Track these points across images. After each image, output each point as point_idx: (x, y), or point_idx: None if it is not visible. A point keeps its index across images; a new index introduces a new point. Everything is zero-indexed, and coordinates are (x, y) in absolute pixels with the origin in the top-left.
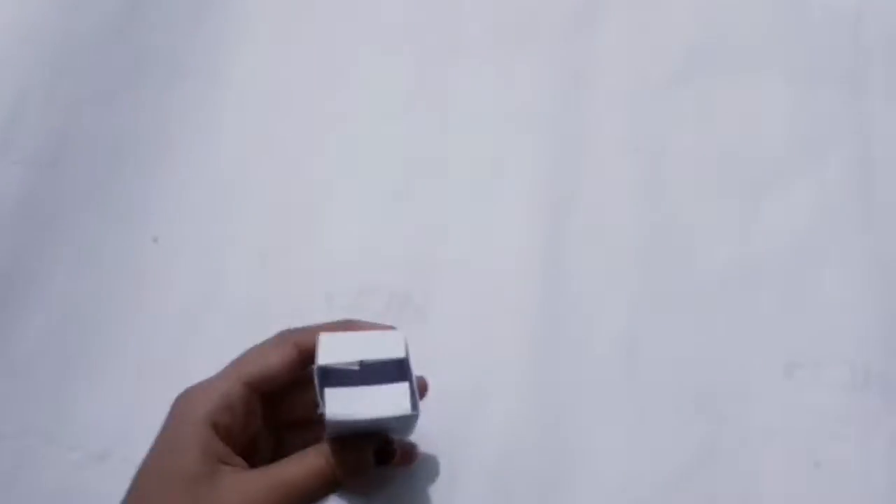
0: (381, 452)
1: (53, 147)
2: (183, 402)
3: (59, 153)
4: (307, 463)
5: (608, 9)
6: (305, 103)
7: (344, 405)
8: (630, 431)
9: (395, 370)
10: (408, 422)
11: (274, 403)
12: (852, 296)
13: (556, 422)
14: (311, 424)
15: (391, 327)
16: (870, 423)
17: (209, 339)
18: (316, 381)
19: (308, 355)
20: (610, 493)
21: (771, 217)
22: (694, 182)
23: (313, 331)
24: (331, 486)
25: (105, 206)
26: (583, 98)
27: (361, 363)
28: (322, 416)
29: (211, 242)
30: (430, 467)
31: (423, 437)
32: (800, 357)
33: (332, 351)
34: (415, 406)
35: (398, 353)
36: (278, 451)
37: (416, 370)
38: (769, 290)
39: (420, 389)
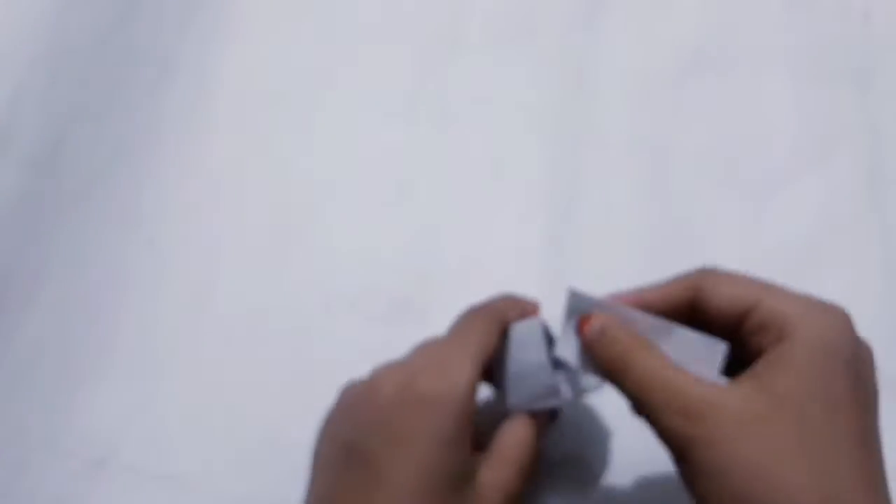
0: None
1: (49, 148)
2: (430, 396)
3: (55, 154)
4: (524, 439)
5: (610, 6)
6: (301, 103)
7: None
8: (629, 432)
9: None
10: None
11: None
12: (859, 296)
13: (556, 421)
14: None
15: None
16: (884, 428)
17: (206, 343)
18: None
19: (503, 323)
20: None
21: (776, 216)
22: (697, 181)
23: (503, 306)
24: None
25: (100, 207)
26: (584, 97)
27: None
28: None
29: (207, 244)
30: None
31: None
32: None
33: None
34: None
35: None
36: None
37: None
38: None
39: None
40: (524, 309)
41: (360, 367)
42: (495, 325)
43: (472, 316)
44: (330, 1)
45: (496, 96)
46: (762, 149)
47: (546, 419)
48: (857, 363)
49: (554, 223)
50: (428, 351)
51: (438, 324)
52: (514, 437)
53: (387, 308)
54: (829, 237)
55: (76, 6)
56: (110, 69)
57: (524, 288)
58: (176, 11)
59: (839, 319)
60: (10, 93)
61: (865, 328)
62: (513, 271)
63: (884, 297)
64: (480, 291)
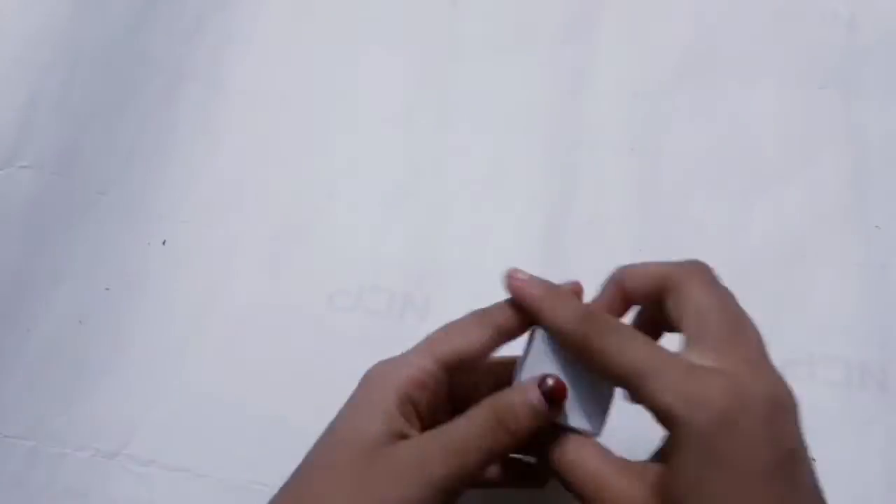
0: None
1: (64, 152)
2: (375, 373)
3: (70, 158)
4: (478, 417)
5: (606, 12)
6: (307, 106)
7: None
8: (627, 434)
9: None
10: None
11: (459, 382)
12: (846, 295)
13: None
14: None
15: None
16: (865, 422)
17: (214, 339)
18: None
19: (503, 335)
20: None
21: (765, 217)
22: (688, 183)
23: (506, 308)
24: (504, 444)
25: (114, 209)
26: (580, 101)
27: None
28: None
29: (217, 244)
30: None
31: None
32: (794, 356)
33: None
34: (595, 421)
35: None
36: None
37: None
38: (763, 290)
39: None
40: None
41: (361, 361)
42: (483, 328)
43: (465, 317)
44: (335, 8)
45: (495, 99)
46: (750, 152)
47: (523, 433)
48: (763, 427)
49: (551, 222)
50: (418, 344)
51: (438, 319)
52: (461, 417)
53: (388, 304)
54: (814, 237)
55: (90, 13)
56: (124, 75)
57: None
58: (188, 19)
59: (725, 392)
60: (26, 98)
61: (852, 325)
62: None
63: (866, 295)
64: (480, 290)
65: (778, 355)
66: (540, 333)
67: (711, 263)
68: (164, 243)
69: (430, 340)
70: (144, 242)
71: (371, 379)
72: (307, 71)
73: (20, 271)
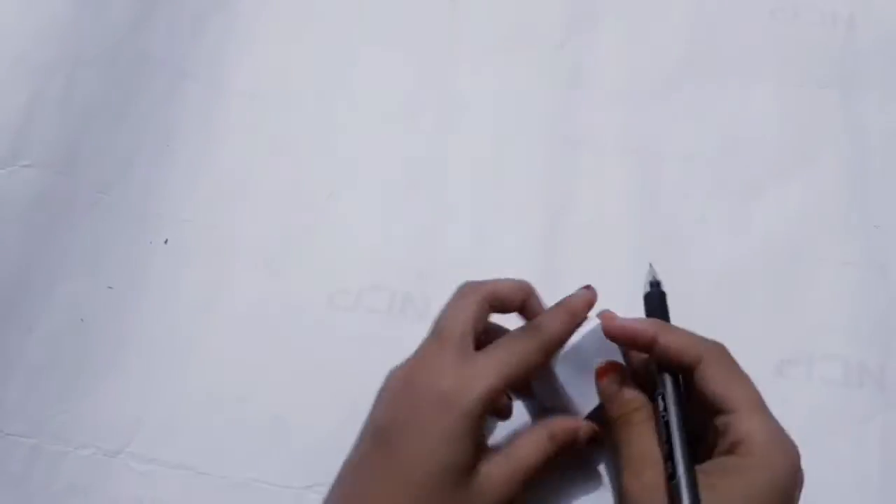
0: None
1: (65, 152)
2: (447, 391)
3: (71, 157)
4: (537, 442)
5: (604, 15)
6: (307, 106)
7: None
8: None
9: None
10: None
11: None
12: (845, 294)
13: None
14: None
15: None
16: (863, 420)
17: (216, 338)
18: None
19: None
20: None
21: (764, 217)
22: (687, 182)
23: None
24: (550, 459)
25: (116, 208)
26: (579, 101)
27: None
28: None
29: (219, 244)
30: None
31: None
32: (792, 354)
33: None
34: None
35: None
36: None
37: None
38: (761, 289)
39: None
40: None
41: (362, 360)
42: (535, 346)
43: (523, 330)
44: (335, 8)
45: (494, 99)
46: (749, 151)
47: (572, 435)
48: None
49: (550, 223)
50: (463, 355)
51: None
52: (527, 440)
53: (388, 304)
54: (813, 237)
55: (92, 13)
56: (125, 74)
57: None
58: (188, 19)
59: (791, 458)
60: (27, 98)
61: (850, 323)
62: (511, 270)
63: (865, 294)
64: None
65: (776, 354)
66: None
67: (711, 263)
68: (165, 242)
69: (495, 358)
70: (146, 241)
71: (445, 405)
72: (307, 71)
73: (21, 270)
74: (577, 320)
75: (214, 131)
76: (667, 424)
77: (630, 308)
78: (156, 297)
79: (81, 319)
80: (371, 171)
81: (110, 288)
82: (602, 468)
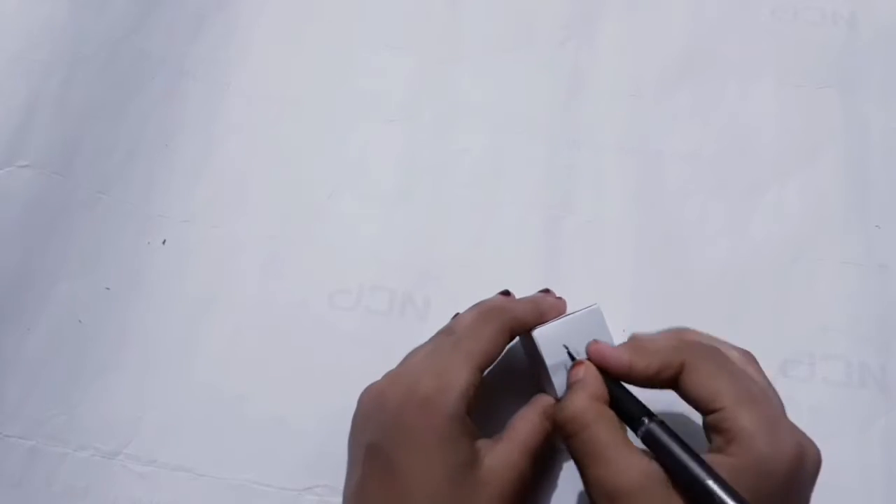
0: None
1: (64, 151)
2: (427, 395)
3: (70, 157)
4: (532, 422)
5: (603, 14)
6: (307, 105)
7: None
8: None
9: None
10: None
11: None
12: (846, 294)
13: None
14: None
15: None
16: (866, 420)
17: (214, 339)
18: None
19: (513, 330)
20: None
21: (765, 217)
22: (687, 183)
23: (517, 305)
24: (550, 436)
25: (115, 208)
26: (578, 101)
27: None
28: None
29: (217, 244)
30: None
31: None
32: (795, 355)
33: (551, 346)
34: None
35: (601, 335)
36: None
37: None
38: (764, 289)
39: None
40: (542, 311)
41: (361, 361)
42: (504, 332)
43: (482, 319)
44: (336, 8)
45: (494, 100)
46: (749, 151)
47: None
48: (791, 483)
49: (550, 223)
50: (432, 356)
51: (438, 319)
52: (522, 421)
53: (388, 304)
54: (813, 237)
55: (91, 12)
56: (124, 74)
57: (521, 285)
58: (188, 19)
59: (786, 445)
60: (26, 97)
61: (853, 324)
62: (511, 270)
63: (866, 294)
64: (480, 290)
65: (778, 355)
66: (539, 338)
67: (712, 263)
68: (164, 243)
69: (464, 350)
70: (144, 242)
71: (427, 402)
72: (307, 70)
73: (20, 270)
74: (541, 308)
75: (214, 131)
76: (671, 454)
77: (630, 307)
78: (154, 297)
79: (79, 320)
80: (371, 171)
81: (108, 289)
82: None
